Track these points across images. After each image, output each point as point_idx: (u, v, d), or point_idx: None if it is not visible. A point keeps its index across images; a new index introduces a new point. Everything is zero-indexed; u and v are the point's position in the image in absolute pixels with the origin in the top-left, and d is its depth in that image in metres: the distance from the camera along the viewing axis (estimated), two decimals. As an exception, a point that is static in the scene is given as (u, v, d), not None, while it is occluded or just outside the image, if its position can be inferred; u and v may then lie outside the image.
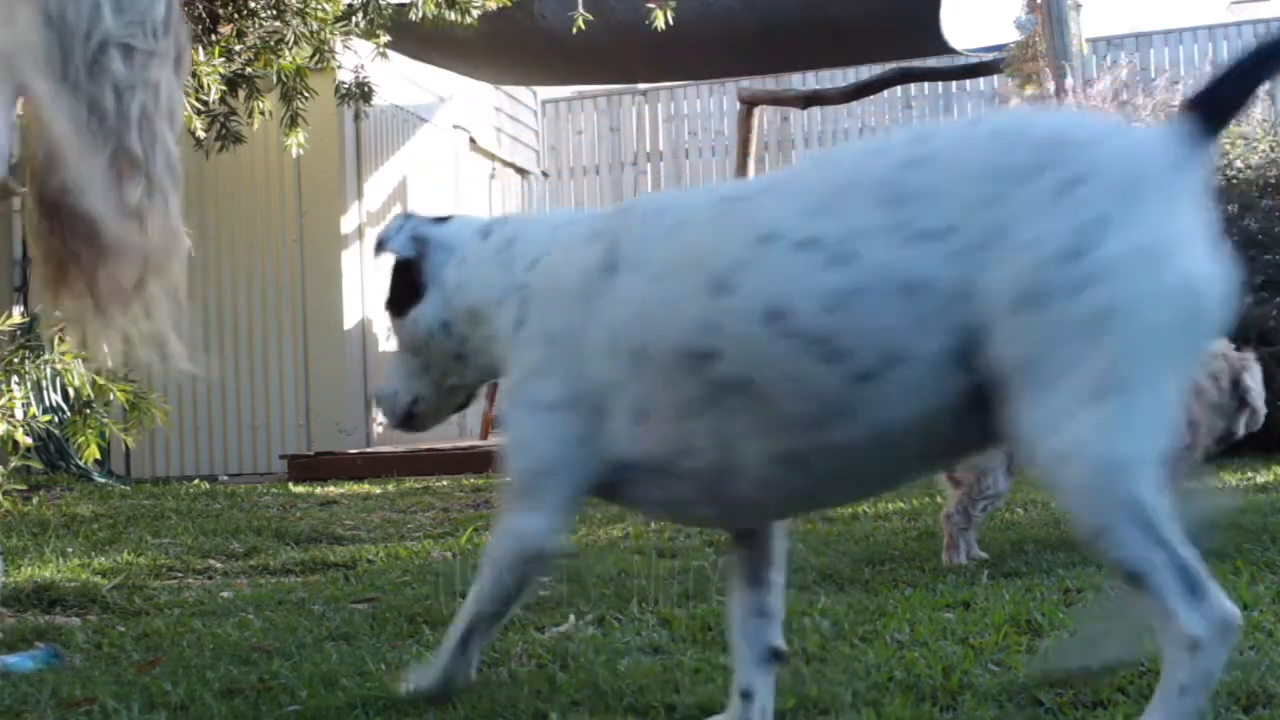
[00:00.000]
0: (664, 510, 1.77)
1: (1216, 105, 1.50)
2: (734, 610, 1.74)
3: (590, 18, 6.36)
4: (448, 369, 1.96)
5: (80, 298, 2.00)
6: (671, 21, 6.30)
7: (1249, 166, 5.47)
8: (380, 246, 2.04)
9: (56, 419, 5.59)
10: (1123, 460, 1.38)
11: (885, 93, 10.92)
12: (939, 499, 4.14)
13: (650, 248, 1.68)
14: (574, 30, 6.32)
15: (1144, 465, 1.39)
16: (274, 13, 5.79)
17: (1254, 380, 3.10)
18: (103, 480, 6.29)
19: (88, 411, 4.96)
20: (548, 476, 1.73)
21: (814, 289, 1.50)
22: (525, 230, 1.91)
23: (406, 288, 1.97)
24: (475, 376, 1.97)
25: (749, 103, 9.89)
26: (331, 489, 5.86)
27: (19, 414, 4.71)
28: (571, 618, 2.41)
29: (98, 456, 5.20)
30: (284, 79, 5.95)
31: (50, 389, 5.76)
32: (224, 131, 5.98)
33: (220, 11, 5.74)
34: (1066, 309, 1.40)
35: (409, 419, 2.02)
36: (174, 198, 2.04)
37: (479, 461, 6.60)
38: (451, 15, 5.94)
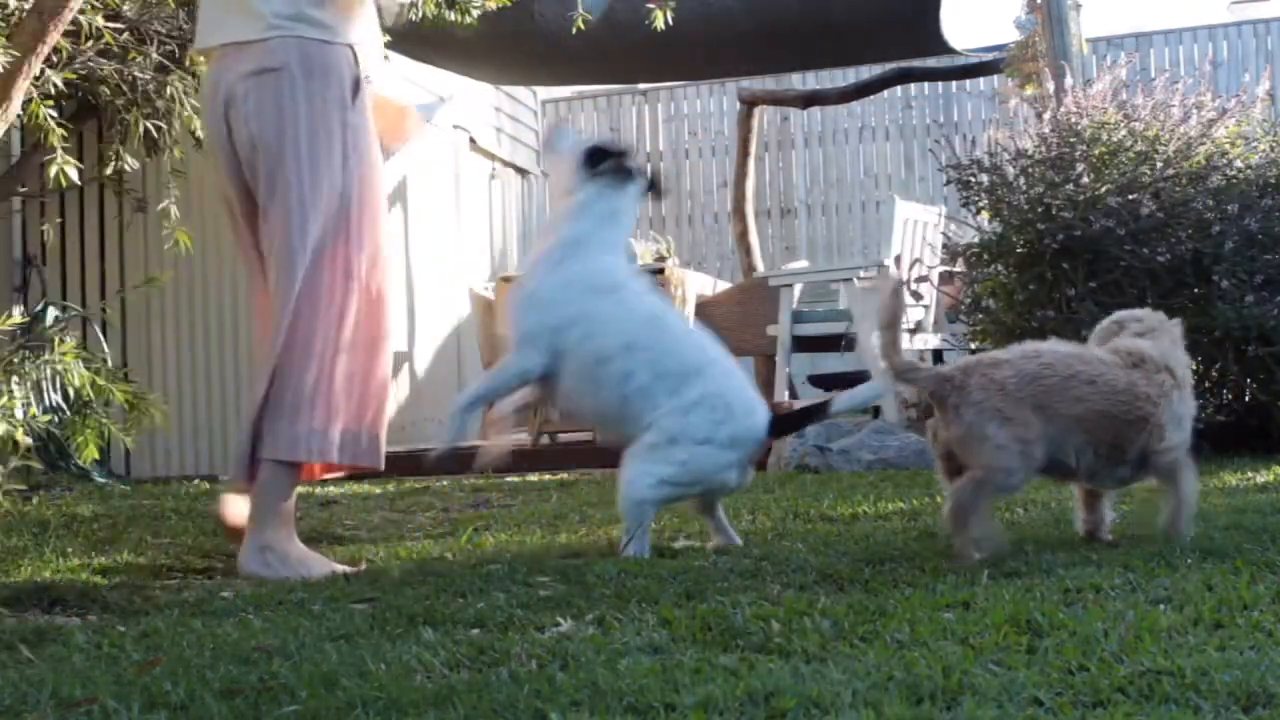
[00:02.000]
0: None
1: None
2: None
3: (590, 16, 6.35)
4: None
5: None
6: (671, 22, 6.29)
7: (1249, 166, 5.47)
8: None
9: (56, 419, 5.59)
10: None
11: (885, 93, 10.93)
12: (939, 499, 4.14)
13: None
14: (573, 30, 6.32)
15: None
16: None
17: None
18: (103, 480, 6.29)
19: (87, 412, 4.97)
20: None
21: None
22: None
23: None
24: None
25: (749, 103, 9.89)
26: (331, 489, 5.86)
27: (19, 414, 4.72)
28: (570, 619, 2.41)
29: (97, 457, 5.20)
30: (284, 79, 5.94)
31: (50, 389, 5.75)
32: (224, 131, 5.96)
33: (220, 11, 5.73)
34: None
35: None
36: None
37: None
38: (451, 15, 5.94)
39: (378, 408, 3.39)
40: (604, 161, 3.36)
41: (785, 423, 3.84)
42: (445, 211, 9.39)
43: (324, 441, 3.29)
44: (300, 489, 5.80)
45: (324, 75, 3.36)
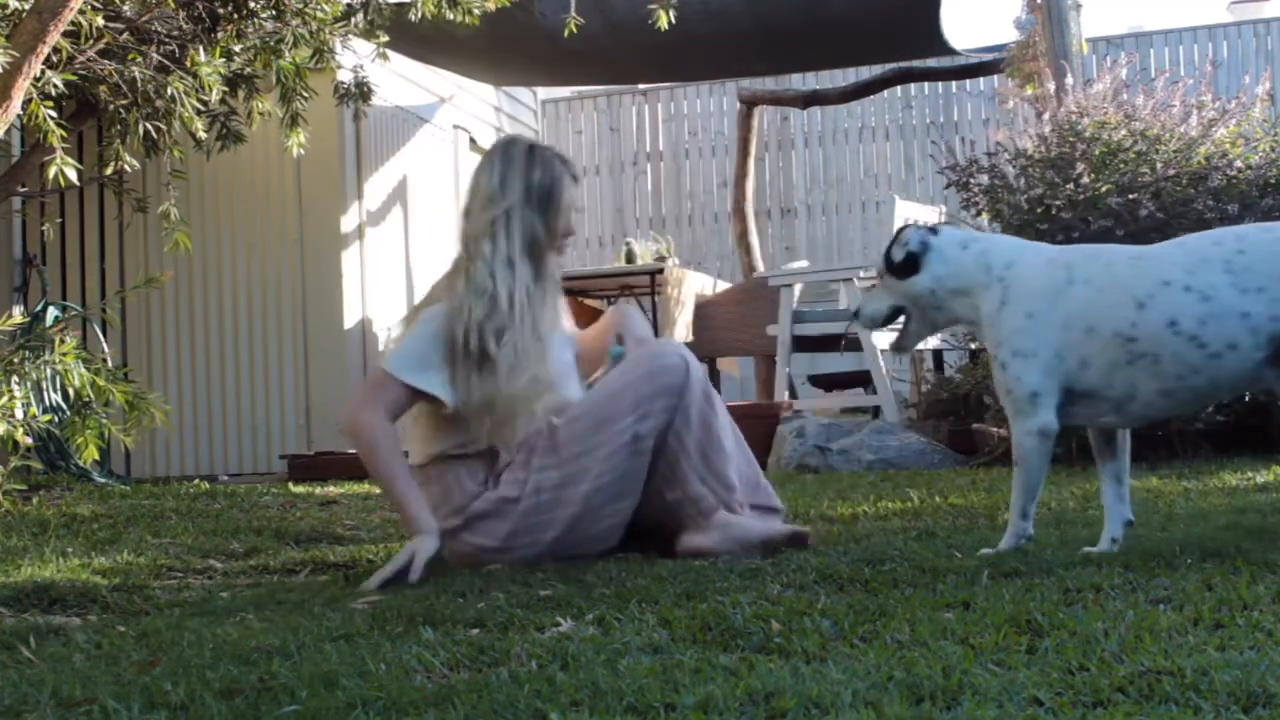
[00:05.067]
0: (1085, 420, 2.93)
1: None
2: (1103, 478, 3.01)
3: (582, 20, 6.35)
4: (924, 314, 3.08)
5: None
6: (674, 21, 6.29)
7: (1249, 166, 5.47)
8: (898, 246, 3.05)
9: (56, 419, 5.59)
10: None
11: (885, 93, 10.93)
12: (937, 499, 4.14)
13: (1095, 275, 2.86)
14: (567, 33, 6.31)
15: None
16: (274, 13, 5.79)
17: None
18: (103, 480, 6.29)
19: (87, 412, 4.96)
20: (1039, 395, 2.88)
21: (1193, 313, 2.75)
22: (997, 244, 3.03)
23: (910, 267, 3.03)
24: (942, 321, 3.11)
25: (749, 103, 9.89)
26: (331, 489, 5.86)
27: (19, 414, 4.71)
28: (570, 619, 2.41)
29: (97, 457, 5.20)
30: (283, 79, 5.95)
31: (50, 389, 5.76)
32: (224, 131, 5.98)
33: (220, 11, 5.73)
34: None
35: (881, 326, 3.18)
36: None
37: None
38: (451, 15, 5.94)
39: None
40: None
41: None
42: (445, 211, 9.39)
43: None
44: (300, 489, 5.82)
45: None
